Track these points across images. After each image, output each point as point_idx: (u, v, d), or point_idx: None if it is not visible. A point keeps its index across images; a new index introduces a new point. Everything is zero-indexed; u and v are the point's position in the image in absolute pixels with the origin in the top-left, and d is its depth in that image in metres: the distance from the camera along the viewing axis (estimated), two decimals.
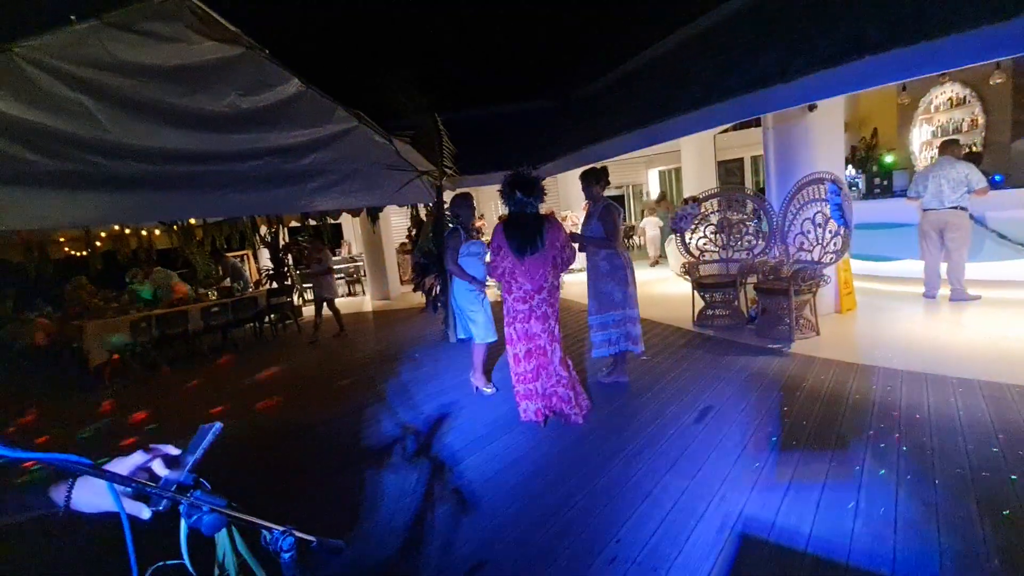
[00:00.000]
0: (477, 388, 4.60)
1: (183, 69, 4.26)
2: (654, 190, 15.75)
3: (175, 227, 8.69)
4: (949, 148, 5.87)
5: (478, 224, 8.27)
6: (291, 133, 5.11)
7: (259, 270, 12.97)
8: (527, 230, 3.70)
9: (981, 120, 8.02)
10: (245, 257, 12.37)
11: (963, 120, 8.31)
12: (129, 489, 0.80)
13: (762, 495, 2.60)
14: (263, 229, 10.22)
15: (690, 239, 6.44)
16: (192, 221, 8.57)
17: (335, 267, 13.39)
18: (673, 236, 7.31)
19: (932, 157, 8.01)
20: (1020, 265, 5.73)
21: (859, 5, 4.34)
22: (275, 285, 9.89)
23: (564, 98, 10.58)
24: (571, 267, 4.18)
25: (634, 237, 14.65)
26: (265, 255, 12.57)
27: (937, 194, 5.67)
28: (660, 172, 15.93)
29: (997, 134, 7.84)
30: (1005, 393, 3.38)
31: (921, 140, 8.99)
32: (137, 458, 0.86)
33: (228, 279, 9.38)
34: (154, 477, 0.84)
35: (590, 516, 2.62)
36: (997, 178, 6.31)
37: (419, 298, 9.17)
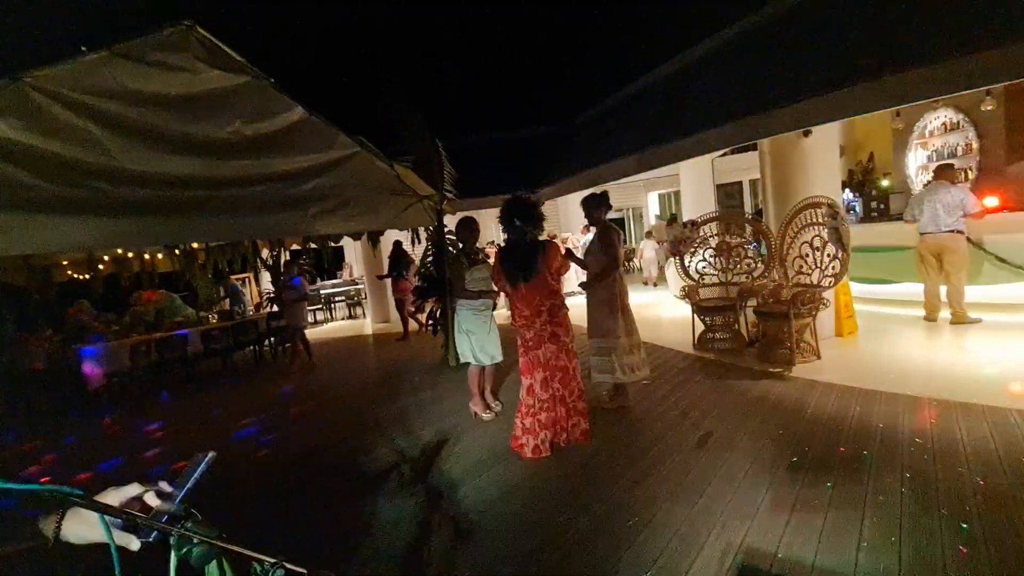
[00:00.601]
0: (476, 413, 4.57)
1: (189, 98, 4.35)
2: (654, 213, 15.89)
3: (177, 251, 8.75)
4: (944, 173, 5.94)
5: (488, 250, 8.31)
6: (294, 159, 5.18)
7: (260, 293, 13.01)
8: (521, 259, 3.72)
9: (975, 145, 8.11)
10: (247, 280, 12.41)
11: (958, 145, 8.40)
12: (119, 520, 0.80)
13: (764, 524, 2.55)
14: (265, 252, 10.28)
15: (689, 262, 6.46)
16: (195, 245, 8.63)
17: (338, 290, 13.53)
18: (672, 259, 7.33)
19: (928, 181, 8.08)
20: (1020, 288, 5.73)
21: (852, 33, 4.44)
22: (275, 308, 9.89)
23: (564, 123, 10.76)
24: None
25: (633, 259, 14.73)
26: (267, 278, 12.62)
27: (933, 218, 5.71)
28: (660, 195, 16.07)
29: (992, 159, 7.91)
30: (1008, 418, 3.35)
31: (917, 164, 9.07)
32: (131, 489, 0.86)
33: (227, 300, 9.42)
34: (146, 508, 0.84)
35: (590, 544, 2.57)
36: None
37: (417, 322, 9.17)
